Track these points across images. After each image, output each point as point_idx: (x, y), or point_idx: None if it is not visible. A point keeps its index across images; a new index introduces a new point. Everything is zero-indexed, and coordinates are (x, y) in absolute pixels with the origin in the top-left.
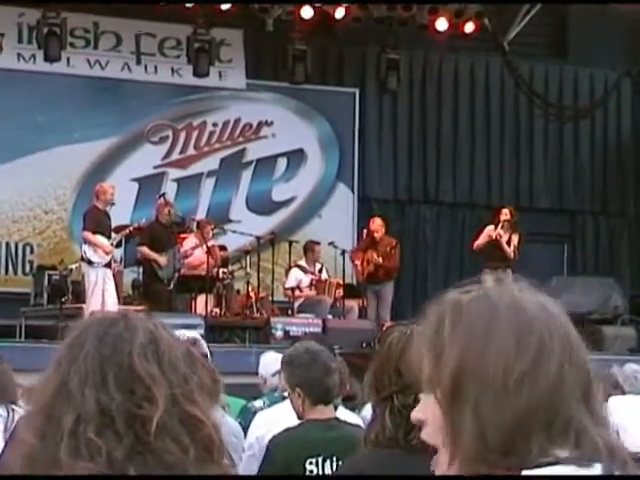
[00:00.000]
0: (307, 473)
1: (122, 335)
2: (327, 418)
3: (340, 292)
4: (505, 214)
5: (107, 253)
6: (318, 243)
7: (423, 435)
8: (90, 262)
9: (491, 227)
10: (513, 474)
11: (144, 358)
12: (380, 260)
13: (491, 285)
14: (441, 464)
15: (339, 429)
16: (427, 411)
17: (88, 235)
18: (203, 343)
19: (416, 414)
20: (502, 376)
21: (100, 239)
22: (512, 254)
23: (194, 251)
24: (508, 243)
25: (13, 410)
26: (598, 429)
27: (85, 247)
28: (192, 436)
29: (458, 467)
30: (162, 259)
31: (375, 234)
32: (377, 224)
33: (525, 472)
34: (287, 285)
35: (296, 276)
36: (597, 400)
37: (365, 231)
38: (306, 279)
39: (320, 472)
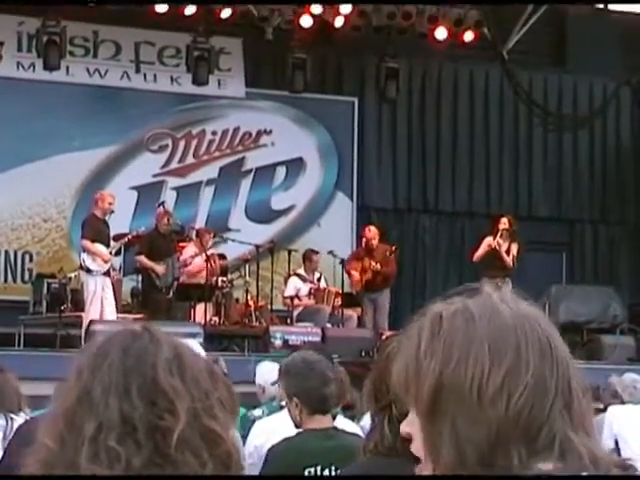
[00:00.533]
0: None
1: (147, 348)
2: (325, 427)
3: (339, 301)
4: (504, 223)
5: (106, 261)
6: (317, 252)
7: (412, 449)
8: (89, 270)
9: (490, 238)
10: None
11: (168, 372)
12: (379, 267)
13: (474, 296)
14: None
15: (337, 438)
16: (413, 426)
17: (87, 243)
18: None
19: (404, 428)
20: (477, 390)
21: (99, 247)
22: (511, 263)
23: (193, 260)
24: (507, 252)
25: (12, 419)
26: (582, 439)
27: (84, 255)
28: (211, 451)
29: None
30: (160, 268)
31: (371, 242)
32: (373, 232)
33: None
34: (286, 294)
35: (295, 285)
36: (582, 409)
37: (363, 239)
38: (305, 288)
39: None
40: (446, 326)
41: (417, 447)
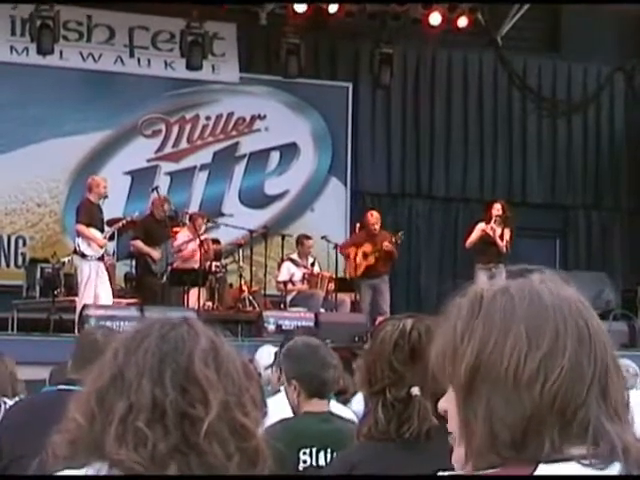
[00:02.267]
0: (301, 463)
1: (184, 337)
2: (322, 411)
3: (332, 286)
4: (497, 209)
5: (101, 246)
6: (309, 237)
7: (449, 427)
8: (83, 255)
9: (482, 224)
10: (523, 469)
11: (203, 362)
12: (390, 245)
13: (516, 277)
14: (458, 460)
15: (333, 422)
16: (450, 403)
17: (81, 228)
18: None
19: (442, 404)
20: (513, 373)
21: (93, 232)
22: (505, 249)
23: (187, 245)
24: (501, 238)
25: (5, 403)
26: (616, 427)
27: (78, 240)
28: (239, 445)
29: (472, 463)
30: (156, 253)
31: (374, 227)
32: (375, 217)
33: (541, 466)
34: (279, 278)
35: (288, 269)
36: (617, 396)
37: (359, 224)
38: (298, 272)
39: (314, 463)
40: (485, 307)
41: (452, 425)
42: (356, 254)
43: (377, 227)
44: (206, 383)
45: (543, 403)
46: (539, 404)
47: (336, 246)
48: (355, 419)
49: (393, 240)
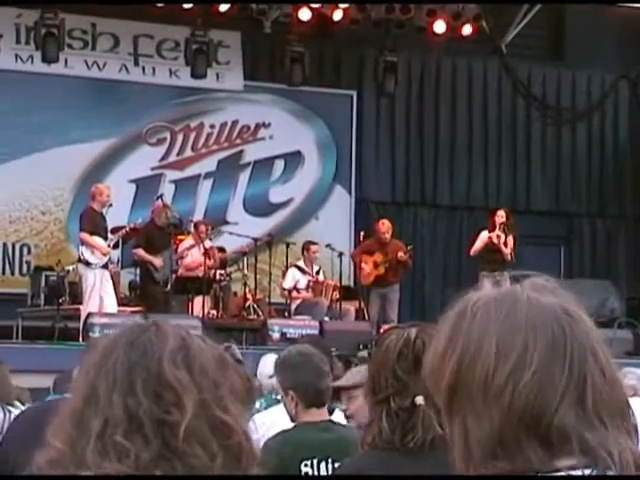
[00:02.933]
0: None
1: (152, 341)
2: (321, 420)
3: (336, 294)
4: (501, 216)
5: (104, 254)
6: (315, 243)
7: None
8: (88, 263)
9: (485, 232)
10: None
11: (173, 364)
12: (405, 256)
13: (497, 286)
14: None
15: (334, 431)
16: None
17: (85, 236)
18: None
19: None
20: (483, 388)
21: (97, 240)
22: (509, 257)
23: (189, 251)
24: (505, 245)
25: (10, 412)
26: (598, 434)
27: (82, 248)
28: (221, 442)
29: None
30: (157, 261)
31: (384, 236)
32: (386, 226)
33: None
34: (284, 285)
35: (294, 276)
36: (601, 402)
37: (363, 233)
38: (303, 280)
39: (316, 473)
40: (467, 321)
41: None
42: (367, 262)
43: (388, 236)
44: (178, 385)
45: (511, 416)
46: (508, 417)
47: (340, 254)
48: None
49: (403, 253)
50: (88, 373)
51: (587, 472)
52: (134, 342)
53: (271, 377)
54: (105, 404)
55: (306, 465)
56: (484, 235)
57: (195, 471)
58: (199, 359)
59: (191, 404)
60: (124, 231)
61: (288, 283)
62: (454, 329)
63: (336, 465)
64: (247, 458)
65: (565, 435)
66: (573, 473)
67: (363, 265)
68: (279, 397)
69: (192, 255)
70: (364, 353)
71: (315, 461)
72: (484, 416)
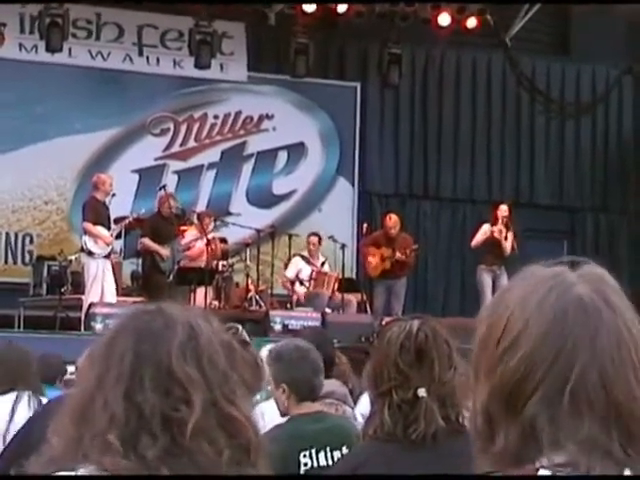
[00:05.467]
0: (302, 466)
1: (161, 332)
2: (314, 411)
3: (337, 286)
4: (504, 211)
5: (107, 244)
6: (314, 234)
7: None
8: (90, 253)
9: (487, 225)
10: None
11: (182, 358)
12: (403, 257)
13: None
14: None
15: (327, 420)
16: None
17: (89, 226)
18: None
19: None
20: (487, 358)
21: (100, 230)
22: (509, 250)
23: (195, 244)
24: (506, 239)
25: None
26: (585, 425)
27: (85, 238)
28: (229, 438)
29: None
30: (164, 251)
31: (391, 230)
32: (394, 220)
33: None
34: (287, 274)
35: (296, 265)
36: (581, 397)
37: (367, 225)
38: (307, 269)
39: (315, 464)
40: (500, 296)
41: None
42: (374, 255)
43: (394, 231)
44: (188, 382)
45: (497, 394)
46: (493, 394)
47: (343, 246)
48: (360, 420)
49: (409, 251)
50: (93, 365)
51: (542, 473)
52: (142, 331)
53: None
54: (112, 399)
55: (305, 456)
56: (486, 228)
57: (202, 468)
58: (208, 351)
59: (200, 401)
60: (127, 221)
61: (290, 272)
62: (499, 296)
63: (335, 453)
64: (255, 452)
65: (532, 424)
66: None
67: (370, 258)
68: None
69: (195, 245)
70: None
71: (313, 451)
72: (481, 390)
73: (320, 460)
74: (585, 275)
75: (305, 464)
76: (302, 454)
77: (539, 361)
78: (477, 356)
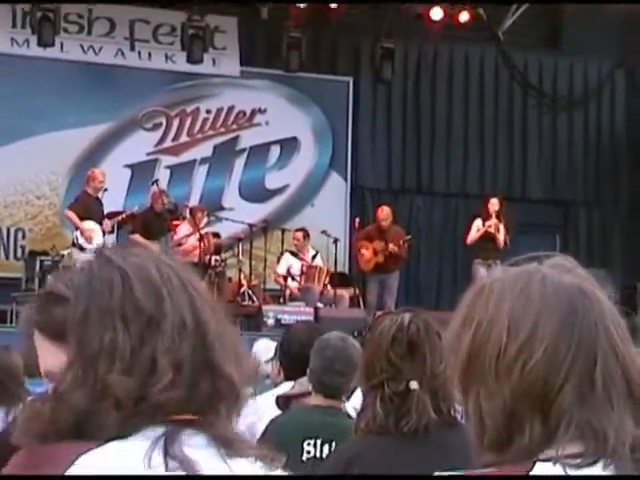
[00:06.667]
0: (304, 454)
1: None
2: (330, 406)
3: (328, 280)
4: (494, 204)
5: (87, 238)
6: (300, 229)
7: None
8: (82, 248)
9: (479, 220)
10: (519, 468)
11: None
12: (396, 249)
13: (516, 266)
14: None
15: (341, 417)
16: None
17: (70, 214)
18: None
19: None
20: (495, 364)
21: (87, 223)
22: (503, 244)
23: (188, 239)
24: (498, 232)
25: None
26: (606, 416)
27: (77, 233)
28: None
29: (477, 459)
30: (154, 247)
31: (383, 223)
32: (386, 213)
33: (538, 465)
34: (278, 270)
35: (287, 261)
36: (612, 383)
37: (359, 220)
38: (297, 264)
39: (318, 454)
40: (483, 298)
41: None
42: (367, 249)
43: (386, 224)
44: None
45: (520, 391)
46: (516, 394)
47: (336, 241)
48: (352, 413)
49: (401, 242)
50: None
51: (577, 461)
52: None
53: (267, 362)
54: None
55: (309, 444)
56: (478, 224)
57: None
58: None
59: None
60: (121, 217)
61: (281, 268)
62: (470, 306)
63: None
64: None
65: (564, 416)
66: (561, 463)
67: (363, 251)
68: (280, 381)
69: (188, 241)
70: None
71: (319, 442)
72: (495, 392)
73: (324, 452)
74: (557, 265)
75: (308, 452)
76: (307, 442)
77: (562, 353)
78: (466, 365)
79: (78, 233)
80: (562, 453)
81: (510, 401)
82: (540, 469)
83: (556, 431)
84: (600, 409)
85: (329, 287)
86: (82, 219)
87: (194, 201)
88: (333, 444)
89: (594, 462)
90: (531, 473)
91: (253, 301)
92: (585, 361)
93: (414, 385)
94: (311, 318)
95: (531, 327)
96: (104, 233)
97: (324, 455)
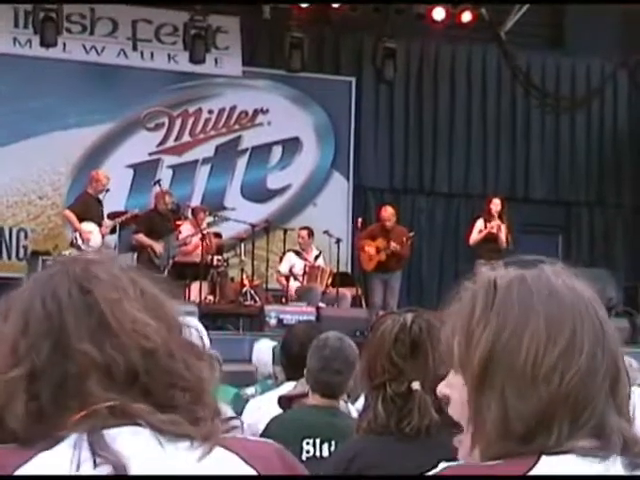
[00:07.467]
0: (304, 453)
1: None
2: (329, 405)
3: (330, 280)
4: (496, 204)
5: (84, 240)
6: (304, 228)
7: (449, 411)
8: (79, 249)
9: (481, 220)
10: (526, 461)
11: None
12: (398, 247)
13: (528, 268)
14: (464, 446)
15: (340, 416)
16: (454, 390)
17: (68, 214)
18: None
19: (441, 389)
20: (531, 366)
21: (86, 225)
22: (506, 245)
23: (192, 239)
24: (500, 231)
25: None
26: (621, 422)
27: (75, 234)
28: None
29: (479, 451)
30: (158, 246)
31: (387, 222)
32: (389, 212)
33: (543, 458)
34: (280, 269)
35: (289, 260)
36: (624, 392)
37: (362, 220)
38: (299, 264)
39: (317, 453)
40: (501, 296)
41: (454, 410)
42: (370, 247)
43: (390, 223)
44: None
45: (559, 397)
46: (555, 399)
47: (338, 240)
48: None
49: (404, 240)
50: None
51: (593, 455)
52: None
53: (268, 362)
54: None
55: (308, 443)
56: (480, 224)
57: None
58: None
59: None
60: (123, 218)
61: (284, 267)
62: (485, 303)
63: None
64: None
65: (593, 420)
66: (579, 455)
67: (367, 248)
68: (269, 382)
69: (191, 241)
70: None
71: (318, 441)
72: (530, 395)
73: (323, 451)
74: (561, 270)
75: (307, 451)
76: (306, 441)
77: (599, 361)
78: (486, 363)
79: (77, 234)
80: (579, 445)
81: (546, 404)
82: (546, 461)
83: (579, 430)
84: (618, 414)
85: (331, 287)
86: (81, 220)
87: (196, 201)
88: (332, 443)
89: (607, 457)
90: (537, 465)
91: (255, 301)
92: (611, 369)
93: (416, 386)
94: (313, 318)
95: (570, 335)
96: (103, 235)
97: (324, 454)
